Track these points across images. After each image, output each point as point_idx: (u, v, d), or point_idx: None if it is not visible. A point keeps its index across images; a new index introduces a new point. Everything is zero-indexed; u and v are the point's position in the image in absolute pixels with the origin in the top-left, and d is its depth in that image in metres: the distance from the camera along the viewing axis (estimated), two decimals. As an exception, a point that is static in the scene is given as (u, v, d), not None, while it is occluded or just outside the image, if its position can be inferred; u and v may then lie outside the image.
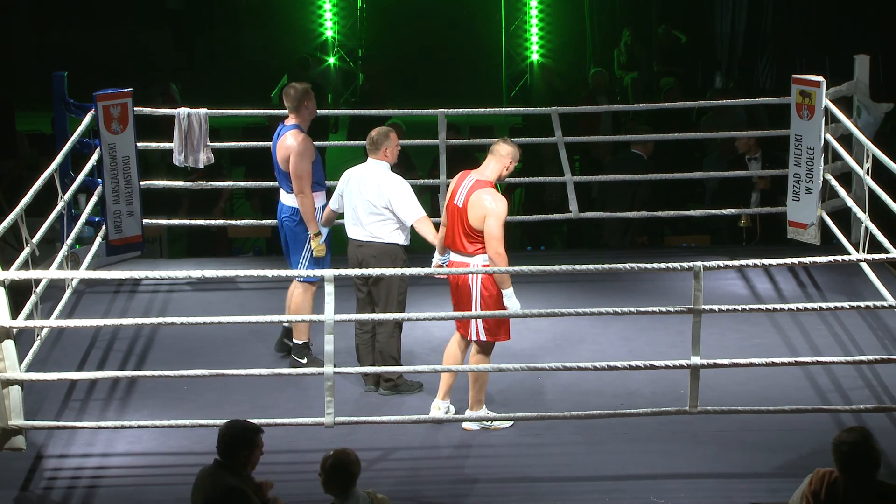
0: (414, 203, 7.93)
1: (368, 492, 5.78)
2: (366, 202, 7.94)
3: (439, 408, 7.69)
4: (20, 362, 7.16)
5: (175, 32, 19.14)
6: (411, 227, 7.95)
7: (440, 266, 7.65)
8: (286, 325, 8.57)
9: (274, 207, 8.63)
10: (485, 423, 7.55)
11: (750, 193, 11.04)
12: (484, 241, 7.36)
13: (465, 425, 7.57)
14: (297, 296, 8.38)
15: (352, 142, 10.70)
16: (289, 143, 8.17)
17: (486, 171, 7.48)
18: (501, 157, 7.46)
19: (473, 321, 7.43)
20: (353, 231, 8.05)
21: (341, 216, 8.25)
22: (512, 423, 7.55)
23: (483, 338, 7.47)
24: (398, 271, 7.36)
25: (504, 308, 7.40)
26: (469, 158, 10.62)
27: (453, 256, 7.52)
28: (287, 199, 8.32)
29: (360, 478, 5.69)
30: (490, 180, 7.45)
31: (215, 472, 5.82)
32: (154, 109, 10.04)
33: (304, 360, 8.36)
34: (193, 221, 10.50)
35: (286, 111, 8.32)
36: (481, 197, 7.35)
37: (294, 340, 8.45)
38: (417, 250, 8.65)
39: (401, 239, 8.00)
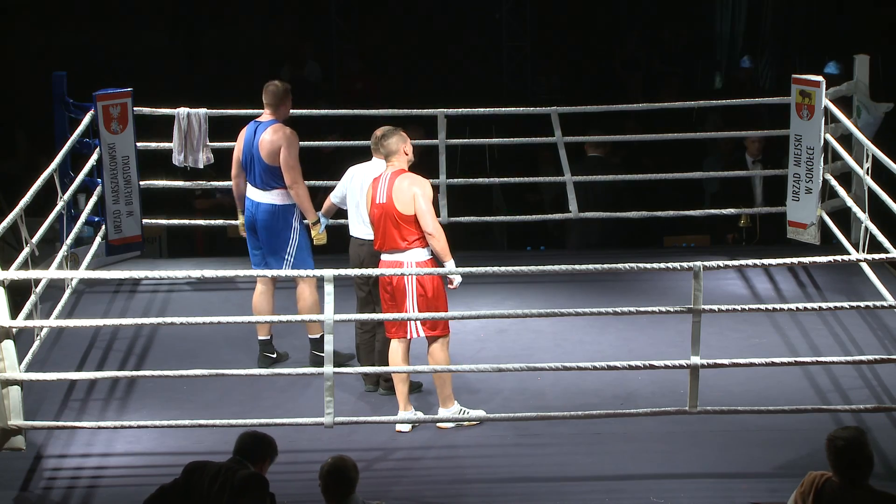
0: None
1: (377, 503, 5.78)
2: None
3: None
4: (20, 362, 7.16)
5: (179, 30, 19.08)
6: None
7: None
8: (262, 338, 8.49)
9: None
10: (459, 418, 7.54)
11: (753, 194, 11.01)
12: (416, 232, 7.42)
13: (440, 423, 7.57)
14: (305, 291, 8.31)
15: (349, 142, 10.65)
16: (275, 136, 8.15)
17: (396, 165, 7.55)
18: (396, 149, 7.54)
19: (410, 322, 7.48)
20: (356, 229, 8.04)
21: (339, 212, 8.26)
22: (483, 417, 7.53)
23: (421, 334, 7.53)
24: (401, 271, 7.35)
25: (439, 304, 7.46)
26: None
27: (385, 256, 7.54)
28: (263, 196, 8.23)
29: (360, 480, 5.68)
30: (404, 168, 7.55)
31: (231, 467, 5.79)
32: (154, 109, 10.02)
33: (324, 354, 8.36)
34: (193, 221, 10.49)
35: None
36: (403, 182, 7.45)
37: (309, 336, 8.42)
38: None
39: (402, 239, 8.00)
